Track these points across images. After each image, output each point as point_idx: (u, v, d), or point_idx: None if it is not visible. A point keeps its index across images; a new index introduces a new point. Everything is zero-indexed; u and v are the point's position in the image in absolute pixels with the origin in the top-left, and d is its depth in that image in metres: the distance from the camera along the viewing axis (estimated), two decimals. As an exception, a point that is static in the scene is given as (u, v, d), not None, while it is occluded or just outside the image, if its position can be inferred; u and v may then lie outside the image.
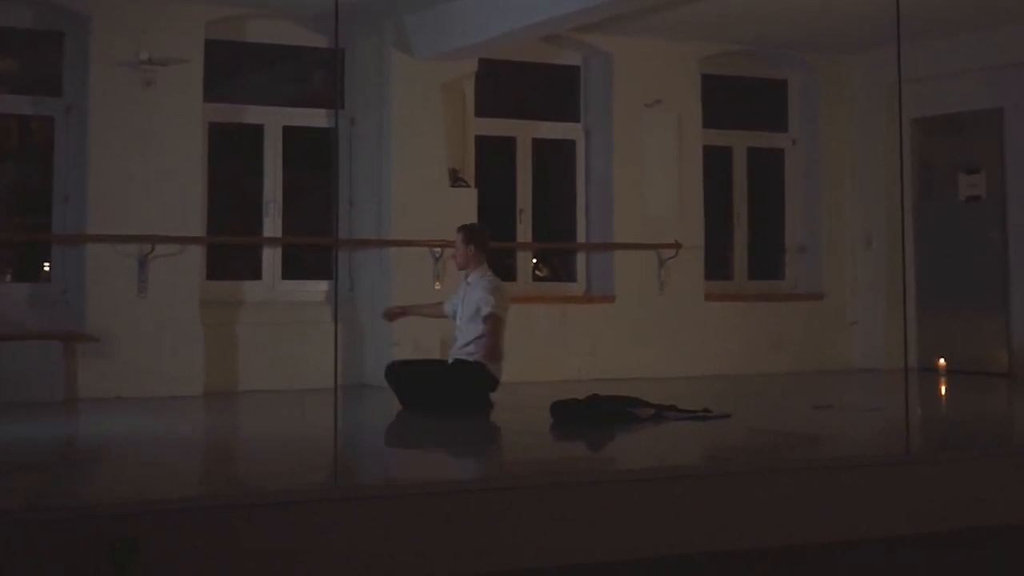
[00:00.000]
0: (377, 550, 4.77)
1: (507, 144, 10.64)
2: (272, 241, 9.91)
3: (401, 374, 8.40)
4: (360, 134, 10.04)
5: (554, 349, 10.12)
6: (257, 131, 9.94)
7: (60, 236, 9.20)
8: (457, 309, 8.43)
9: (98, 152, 9.06)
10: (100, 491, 5.48)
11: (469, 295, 8.32)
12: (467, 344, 8.27)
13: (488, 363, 8.20)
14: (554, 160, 10.91)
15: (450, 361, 8.37)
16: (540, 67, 10.80)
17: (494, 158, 10.52)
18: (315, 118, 10.06)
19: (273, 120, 9.98)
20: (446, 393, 8.13)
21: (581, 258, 10.91)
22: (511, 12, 9.00)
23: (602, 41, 10.54)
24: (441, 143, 9.93)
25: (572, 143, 10.91)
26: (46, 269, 9.40)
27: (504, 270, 10.36)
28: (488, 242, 8.54)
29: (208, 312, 9.34)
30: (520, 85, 10.96)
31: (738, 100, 11.59)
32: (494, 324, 8.18)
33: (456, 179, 10.03)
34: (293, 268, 10.09)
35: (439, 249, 9.68)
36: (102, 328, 8.96)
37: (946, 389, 9.79)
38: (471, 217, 9.81)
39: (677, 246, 10.66)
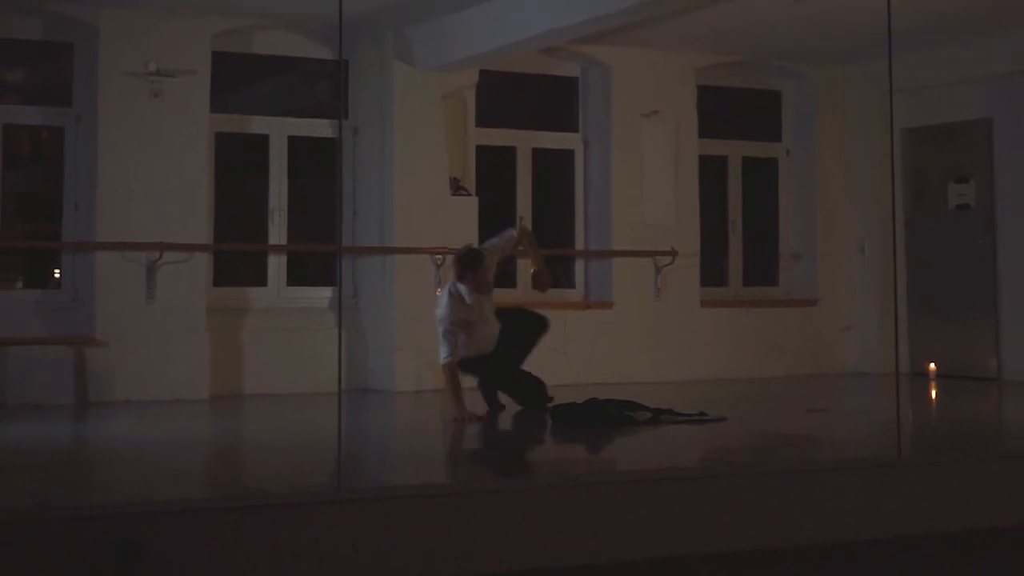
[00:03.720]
0: (379, 552, 4.76)
1: (507, 153, 10.63)
2: (277, 248, 9.91)
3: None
4: (363, 143, 10.03)
5: (554, 354, 9.84)
6: (263, 141, 9.96)
7: (70, 243, 9.25)
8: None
9: (107, 161, 9.10)
10: (107, 493, 5.42)
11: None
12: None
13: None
14: (553, 169, 10.88)
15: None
16: (540, 78, 10.80)
17: (495, 167, 10.50)
18: (319, 128, 10.08)
19: (278, 130, 10.00)
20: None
21: (580, 265, 10.91)
22: (511, 24, 9.01)
23: (600, 52, 10.53)
24: (442, 152, 9.95)
25: (571, 152, 10.91)
26: (56, 276, 9.44)
27: (503, 277, 10.15)
28: None
29: (214, 318, 9.35)
30: (520, 96, 10.95)
31: (733, 110, 11.58)
32: None
33: (457, 188, 10.06)
34: (298, 275, 10.09)
35: (440, 256, 9.66)
36: (111, 333, 9.00)
37: (937, 393, 9.74)
38: (472, 225, 9.84)
39: (674, 253, 10.64)
